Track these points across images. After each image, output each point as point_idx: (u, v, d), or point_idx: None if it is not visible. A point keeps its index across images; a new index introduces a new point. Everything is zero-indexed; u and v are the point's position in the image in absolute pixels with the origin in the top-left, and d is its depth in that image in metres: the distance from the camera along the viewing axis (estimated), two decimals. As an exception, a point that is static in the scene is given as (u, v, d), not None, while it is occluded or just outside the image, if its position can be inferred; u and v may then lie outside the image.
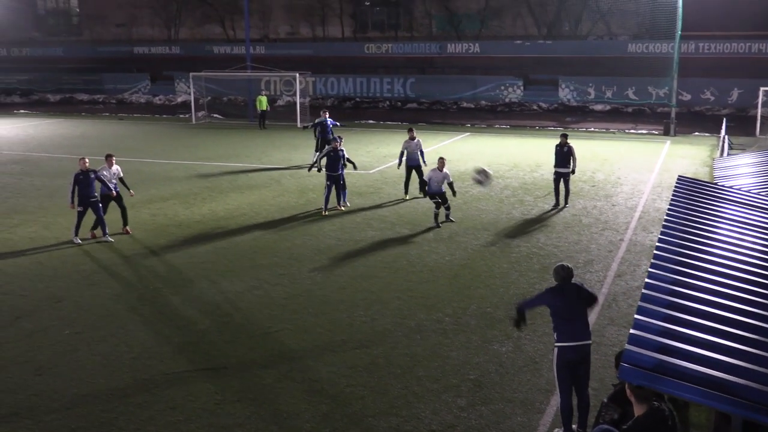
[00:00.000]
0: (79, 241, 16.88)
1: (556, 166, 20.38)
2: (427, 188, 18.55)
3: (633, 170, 26.21)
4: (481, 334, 11.85)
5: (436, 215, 18.50)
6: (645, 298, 7.80)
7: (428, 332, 11.96)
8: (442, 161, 18.59)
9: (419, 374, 10.40)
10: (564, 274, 8.67)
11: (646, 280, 8.21)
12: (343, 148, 20.19)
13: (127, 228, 17.86)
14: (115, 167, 17.56)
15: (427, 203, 21.18)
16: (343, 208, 20.21)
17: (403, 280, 14.37)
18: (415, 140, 21.84)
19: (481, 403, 9.62)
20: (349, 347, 11.31)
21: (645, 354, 6.62)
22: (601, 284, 14.11)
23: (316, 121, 26.41)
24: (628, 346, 6.85)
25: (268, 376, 10.34)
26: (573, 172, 20.40)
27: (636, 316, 7.42)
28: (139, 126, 41.99)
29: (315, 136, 26.28)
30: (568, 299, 8.55)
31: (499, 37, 59.14)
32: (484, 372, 10.51)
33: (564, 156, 20.23)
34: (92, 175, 16.87)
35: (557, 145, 20.42)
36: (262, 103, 39.87)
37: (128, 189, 18.08)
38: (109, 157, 17.52)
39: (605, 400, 7.02)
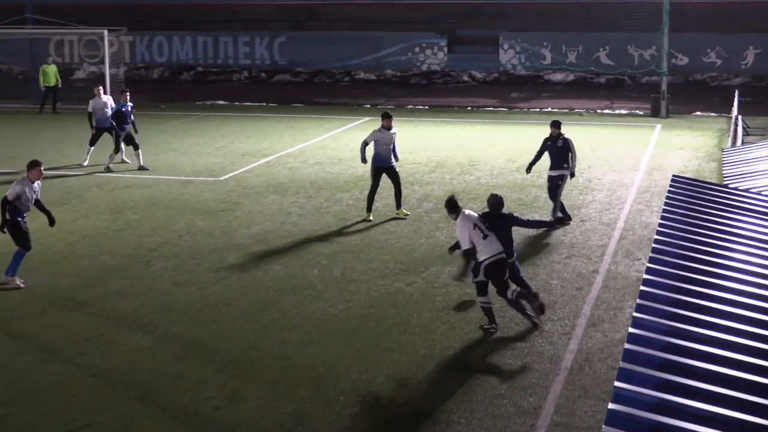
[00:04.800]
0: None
1: (550, 168, 21.32)
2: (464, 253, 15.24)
3: (609, 168, 26.97)
4: (395, 418, 11.93)
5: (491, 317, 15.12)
6: (629, 356, 8.05)
7: (315, 419, 11.96)
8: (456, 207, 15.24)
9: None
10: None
11: (630, 330, 8.49)
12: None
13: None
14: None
15: (315, 223, 21.25)
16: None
17: (274, 342, 14.33)
18: (392, 131, 21.86)
19: None
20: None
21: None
22: (567, 337, 14.44)
23: (114, 108, 27.90)
24: (606, 429, 7.05)
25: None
26: (572, 174, 21.47)
27: (617, 384, 7.65)
28: None
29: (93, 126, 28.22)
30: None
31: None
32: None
33: (559, 152, 21.21)
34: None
35: (547, 139, 21.36)
36: (49, 76, 39.16)
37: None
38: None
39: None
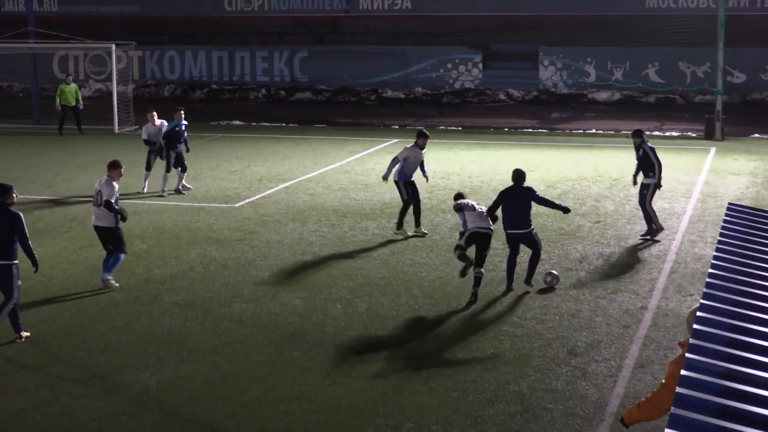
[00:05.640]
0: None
1: (644, 177, 23.04)
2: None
3: (659, 195, 26.80)
4: (423, 469, 11.90)
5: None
6: (681, 401, 7.99)
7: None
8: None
9: None
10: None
11: (683, 372, 8.43)
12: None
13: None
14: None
15: (338, 254, 21.27)
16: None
17: (293, 383, 14.33)
18: (424, 150, 23.39)
19: None
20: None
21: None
22: (613, 380, 14.38)
23: (166, 128, 28.00)
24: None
25: None
26: (659, 185, 22.92)
27: (668, 431, 7.60)
28: None
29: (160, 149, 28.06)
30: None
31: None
32: None
33: (641, 161, 22.99)
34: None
35: (635, 148, 23.15)
36: (67, 95, 39.40)
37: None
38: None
39: None
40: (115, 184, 18.88)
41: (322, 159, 33.42)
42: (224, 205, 26.21)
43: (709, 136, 37.55)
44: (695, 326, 9.41)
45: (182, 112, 28.16)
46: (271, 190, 28.19)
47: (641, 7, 48.96)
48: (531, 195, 18.71)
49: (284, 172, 31.08)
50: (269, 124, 42.98)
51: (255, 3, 54.24)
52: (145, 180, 27.99)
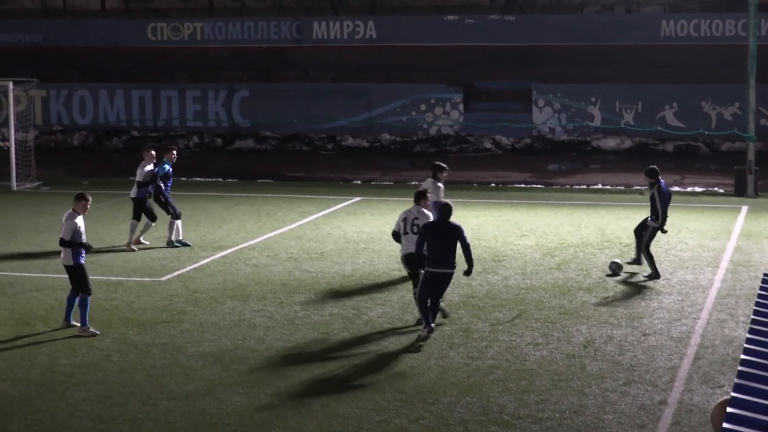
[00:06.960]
0: None
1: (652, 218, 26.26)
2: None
3: (680, 265, 27.02)
4: None
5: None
6: None
7: None
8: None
9: None
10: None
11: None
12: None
13: None
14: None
15: (287, 339, 21.25)
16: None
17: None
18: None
19: None
20: None
21: None
22: (626, 493, 14.38)
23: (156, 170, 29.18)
24: None
25: None
26: (662, 229, 25.95)
27: None
28: None
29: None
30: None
31: (413, 8, 60.45)
32: None
33: (649, 203, 26.06)
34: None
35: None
36: None
37: None
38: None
39: None
40: (77, 220, 21.43)
41: (268, 222, 33.42)
42: (147, 279, 26.12)
43: (739, 192, 37.75)
44: (725, 425, 9.46)
45: (174, 152, 29.70)
46: (205, 261, 28.14)
47: (656, 36, 49.25)
48: (458, 235, 21.27)
49: (221, 238, 31.05)
50: (202, 180, 42.98)
51: (185, 31, 54.31)
52: (145, 228, 29.52)
